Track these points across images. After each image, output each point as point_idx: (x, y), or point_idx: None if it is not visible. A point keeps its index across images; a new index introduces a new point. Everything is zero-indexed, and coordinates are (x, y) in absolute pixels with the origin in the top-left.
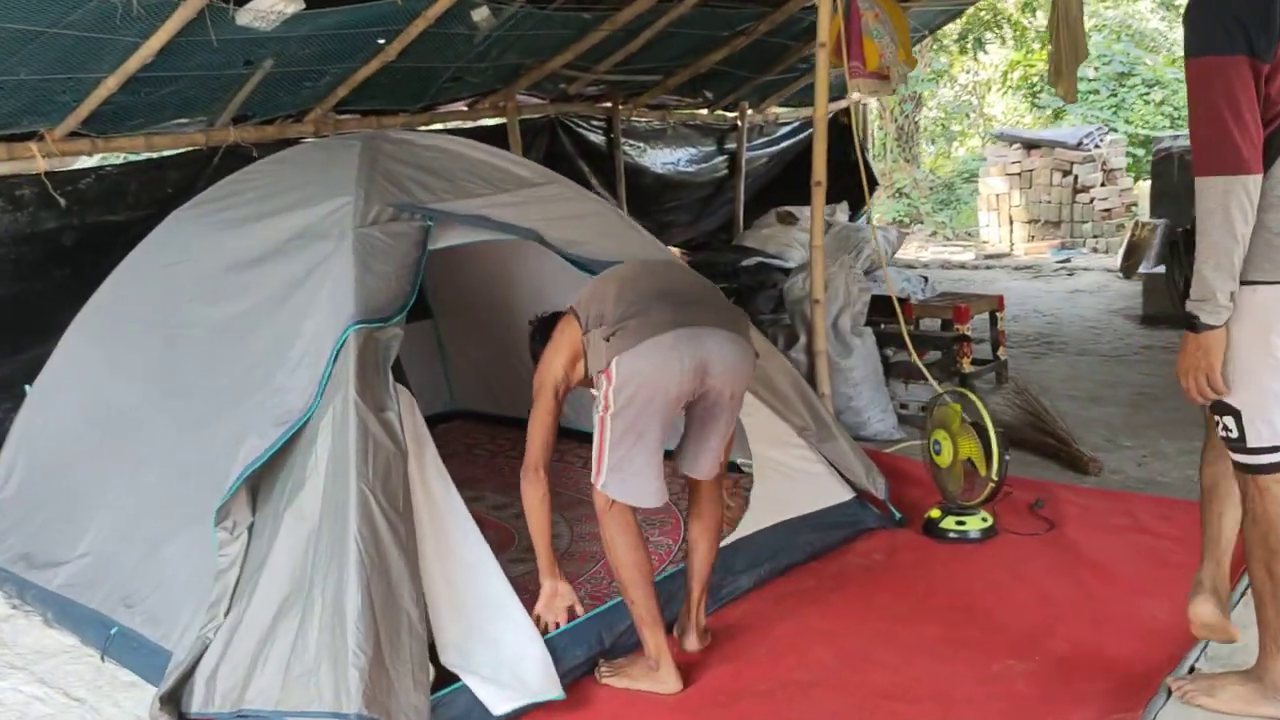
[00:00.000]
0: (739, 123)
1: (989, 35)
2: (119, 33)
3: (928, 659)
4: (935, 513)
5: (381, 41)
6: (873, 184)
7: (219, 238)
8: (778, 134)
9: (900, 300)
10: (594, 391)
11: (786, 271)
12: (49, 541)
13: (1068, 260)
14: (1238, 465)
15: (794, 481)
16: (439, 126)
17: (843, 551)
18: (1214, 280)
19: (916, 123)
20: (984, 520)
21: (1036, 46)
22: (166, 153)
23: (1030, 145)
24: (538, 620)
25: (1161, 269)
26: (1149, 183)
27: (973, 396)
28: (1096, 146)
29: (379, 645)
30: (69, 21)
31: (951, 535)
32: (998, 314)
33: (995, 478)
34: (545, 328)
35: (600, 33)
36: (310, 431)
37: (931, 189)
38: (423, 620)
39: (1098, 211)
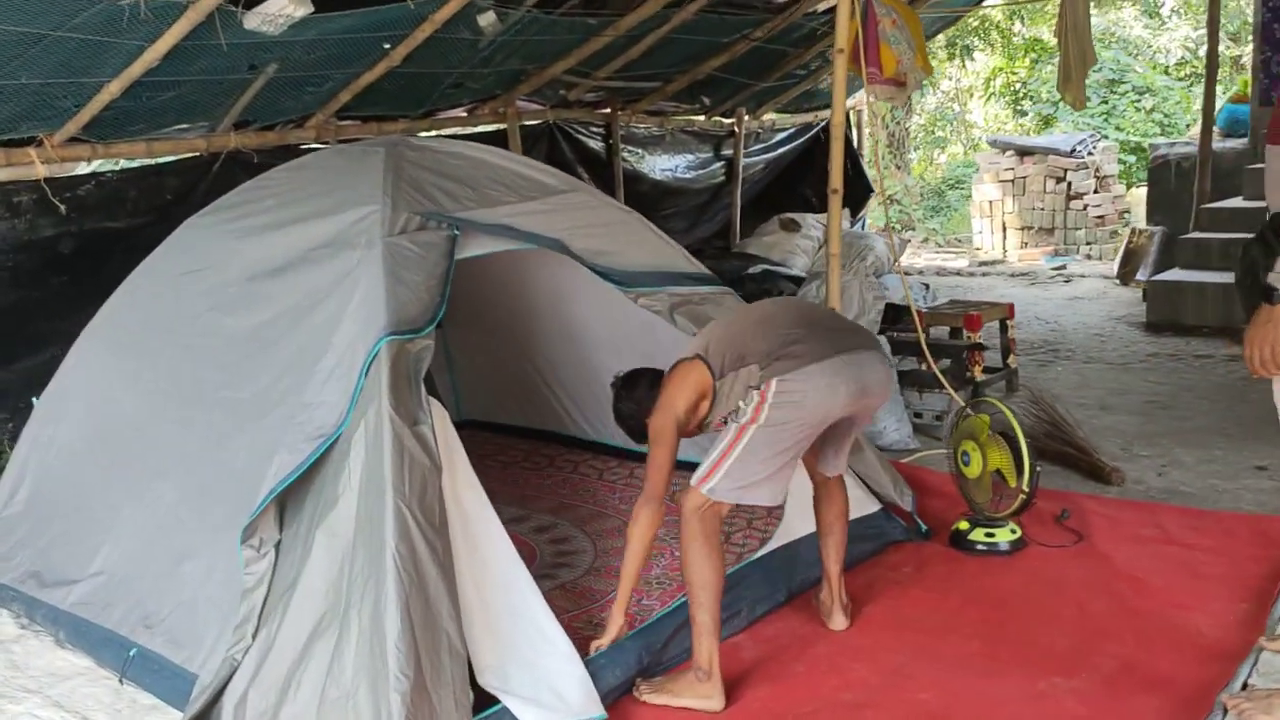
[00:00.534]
0: (736, 129)
1: (977, 42)
2: (124, 36)
3: (970, 676)
4: (963, 524)
5: (387, 46)
6: (867, 190)
7: (238, 245)
8: (774, 140)
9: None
10: (741, 403)
11: (792, 278)
12: (60, 558)
13: (1063, 267)
14: None
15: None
16: (439, 132)
17: (871, 564)
18: None
19: (907, 129)
20: (1013, 532)
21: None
22: (166, 159)
23: (1023, 152)
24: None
25: (1161, 276)
26: (1142, 189)
27: (1003, 406)
28: (1090, 153)
29: (420, 668)
30: (73, 25)
31: (981, 547)
32: (1008, 322)
33: (1026, 489)
34: (631, 384)
35: (603, 38)
36: (342, 446)
37: (922, 195)
38: (462, 640)
39: (1091, 218)
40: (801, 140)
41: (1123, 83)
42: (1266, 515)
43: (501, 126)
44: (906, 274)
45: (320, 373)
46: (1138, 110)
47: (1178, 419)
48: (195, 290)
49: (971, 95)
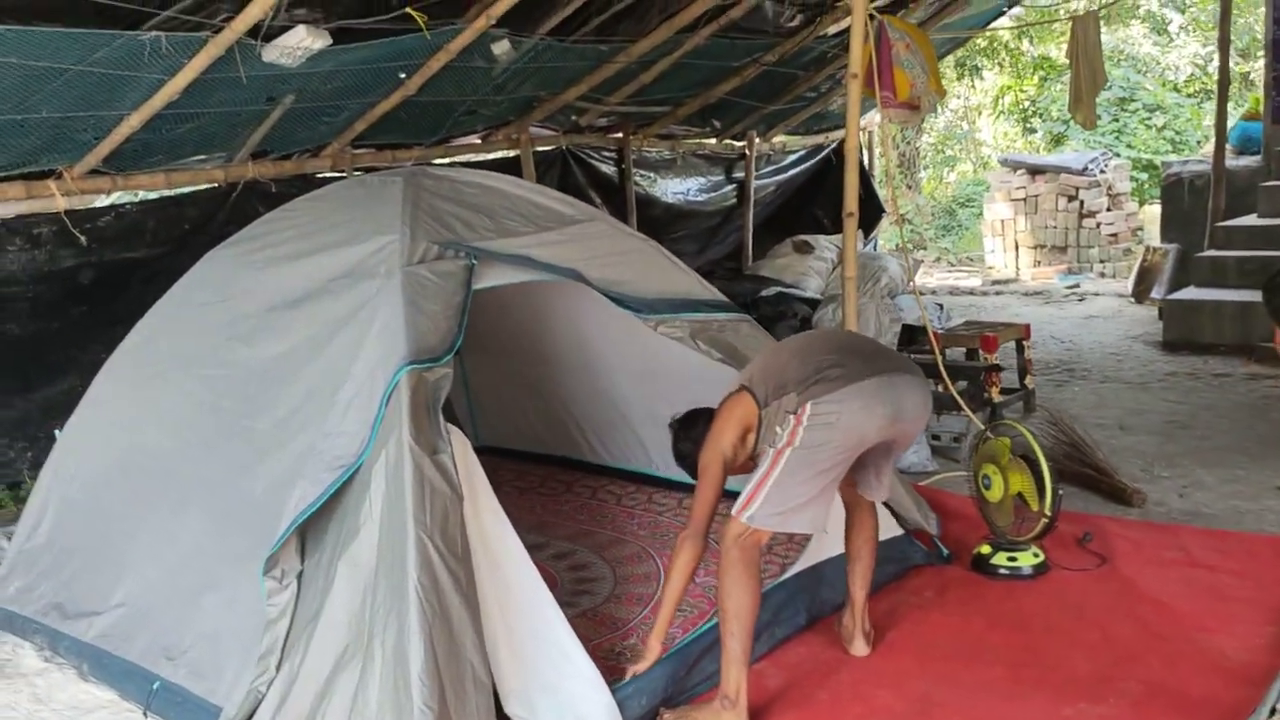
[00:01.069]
0: (747, 151)
1: (985, 62)
2: (145, 70)
3: (996, 701)
4: (985, 548)
5: (403, 76)
6: (879, 211)
7: (258, 276)
8: (785, 162)
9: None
10: (778, 428)
11: (806, 300)
12: (82, 591)
13: (1076, 285)
14: None
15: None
16: (453, 159)
17: (892, 589)
18: None
19: (917, 149)
20: (1035, 556)
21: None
22: (185, 190)
23: (1035, 170)
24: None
25: (1177, 294)
26: (1155, 207)
27: (1023, 429)
28: (1102, 171)
29: (444, 699)
30: (95, 59)
31: (1003, 572)
32: (1024, 343)
33: (1049, 513)
34: (690, 424)
35: (616, 64)
36: (363, 477)
37: (934, 215)
38: (486, 670)
39: (1104, 236)
40: (812, 162)
41: (1133, 100)
42: None
43: (515, 153)
44: (920, 294)
45: (340, 402)
46: (1148, 128)
47: (1198, 439)
48: (216, 321)
49: (980, 114)
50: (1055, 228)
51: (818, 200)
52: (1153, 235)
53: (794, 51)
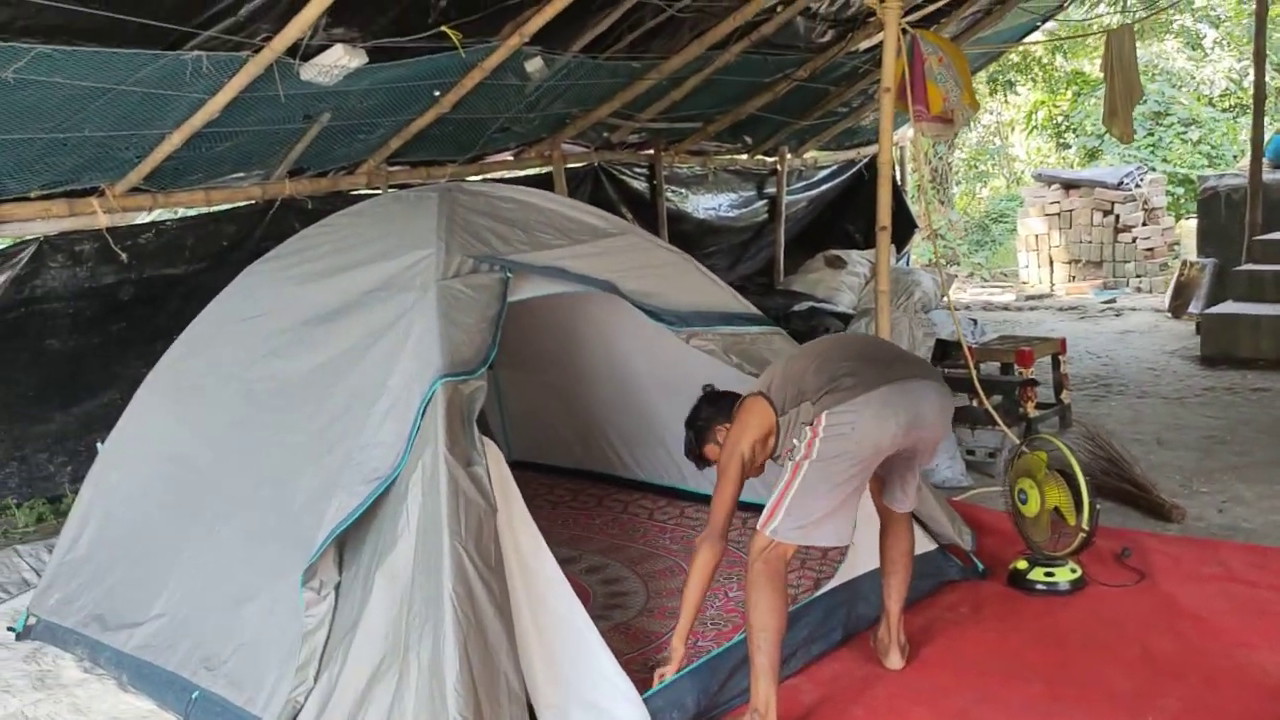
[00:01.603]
0: (778, 167)
1: (1018, 76)
2: (186, 89)
3: (1034, 718)
4: (1021, 564)
5: (437, 94)
6: (911, 226)
7: (296, 291)
8: (816, 177)
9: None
10: (795, 441)
11: (839, 315)
12: (123, 602)
13: (1112, 300)
14: None
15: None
16: (486, 176)
17: (928, 604)
18: None
19: (950, 164)
20: (1073, 571)
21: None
22: (223, 206)
23: (1069, 185)
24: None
25: (1215, 309)
26: (1192, 221)
27: (1060, 443)
28: (1137, 186)
29: (479, 710)
30: (137, 79)
31: (1040, 587)
32: (1060, 357)
33: (1086, 528)
34: (715, 400)
35: (647, 81)
36: (399, 488)
37: (966, 230)
38: (520, 681)
39: (1140, 251)
40: (844, 177)
41: (1168, 115)
42: None
43: (547, 169)
44: (954, 309)
45: (377, 415)
46: (1184, 142)
47: (1237, 454)
48: (254, 335)
49: (1013, 129)
50: (1090, 242)
51: (849, 215)
52: (1189, 250)
53: (825, 67)
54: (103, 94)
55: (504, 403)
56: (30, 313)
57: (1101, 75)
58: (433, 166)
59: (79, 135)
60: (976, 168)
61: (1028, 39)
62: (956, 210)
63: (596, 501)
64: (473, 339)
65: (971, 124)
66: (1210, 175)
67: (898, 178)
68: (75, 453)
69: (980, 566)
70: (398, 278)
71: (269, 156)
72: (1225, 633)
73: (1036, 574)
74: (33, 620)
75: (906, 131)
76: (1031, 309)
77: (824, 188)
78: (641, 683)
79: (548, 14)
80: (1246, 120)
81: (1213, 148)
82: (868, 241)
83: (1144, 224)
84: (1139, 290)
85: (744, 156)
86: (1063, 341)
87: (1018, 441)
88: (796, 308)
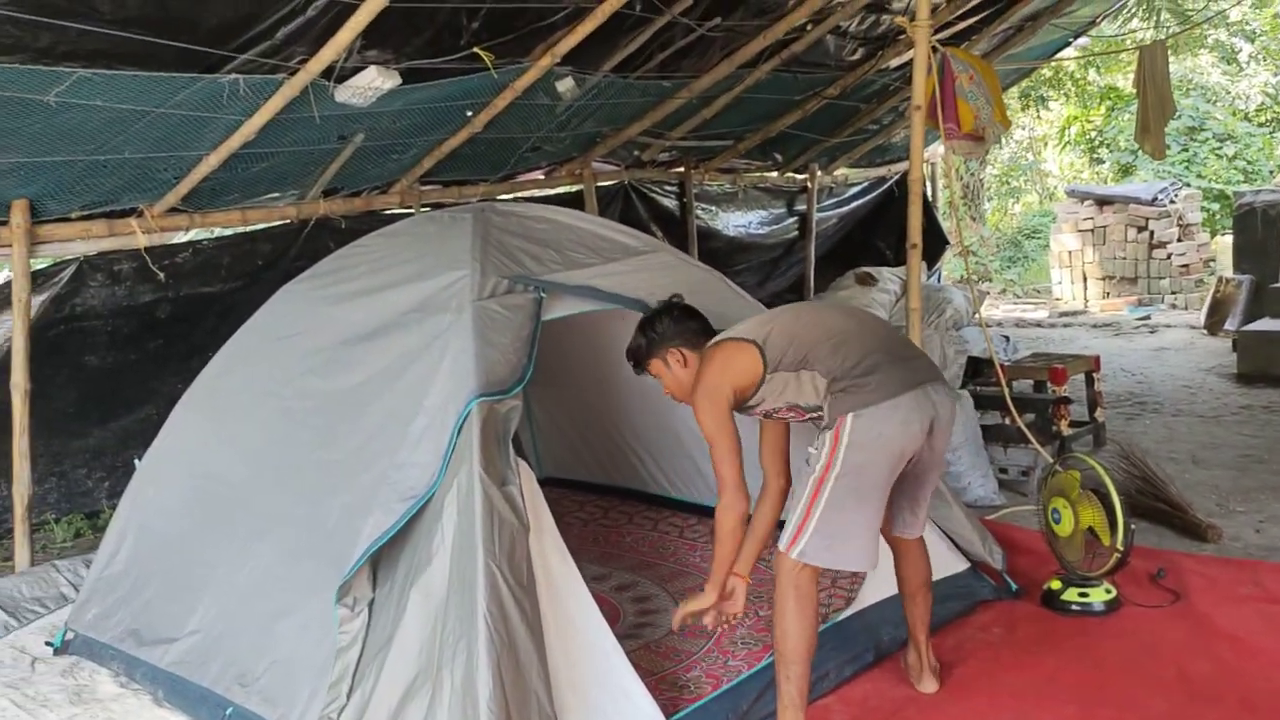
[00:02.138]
0: (809, 184)
1: (1051, 92)
2: (223, 112)
3: None
4: (1055, 584)
5: (470, 114)
6: (943, 243)
7: (332, 311)
8: (847, 194)
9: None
10: (811, 449)
11: None
12: (158, 618)
13: (1147, 317)
14: None
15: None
16: (518, 195)
17: (960, 625)
18: None
19: (981, 180)
20: (1107, 592)
21: (1095, 102)
22: (258, 226)
23: (1102, 201)
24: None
25: (1252, 326)
26: (1227, 237)
27: (1094, 462)
28: (1172, 201)
29: None
30: (175, 102)
31: (1074, 608)
32: (1094, 375)
33: (1121, 547)
34: (682, 320)
35: (677, 100)
36: (435, 507)
37: (999, 246)
38: (550, 701)
39: (1175, 267)
40: (875, 194)
41: (1203, 130)
42: None
43: (578, 187)
44: (986, 326)
45: (412, 434)
46: (1219, 158)
47: (1274, 473)
48: (291, 354)
49: (1046, 144)
50: (1124, 259)
51: (880, 232)
52: (1225, 266)
53: (855, 84)
54: (142, 116)
55: (534, 418)
56: (70, 330)
57: (1134, 91)
58: (465, 185)
59: (119, 157)
60: (1009, 183)
61: (1060, 54)
62: (989, 226)
63: (627, 518)
64: (508, 359)
65: (1003, 140)
66: (1246, 190)
67: (929, 194)
68: (113, 468)
69: (1014, 586)
70: (434, 298)
71: (304, 177)
72: (1262, 654)
73: (1071, 594)
74: (70, 635)
75: (937, 148)
76: (1065, 326)
77: (855, 205)
78: (671, 700)
79: (579, 35)
80: None
81: (1248, 163)
82: (899, 258)
83: (1179, 240)
84: (1174, 307)
85: (774, 174)
86: (1096, 359)
87: (1051, 460)
88: None
